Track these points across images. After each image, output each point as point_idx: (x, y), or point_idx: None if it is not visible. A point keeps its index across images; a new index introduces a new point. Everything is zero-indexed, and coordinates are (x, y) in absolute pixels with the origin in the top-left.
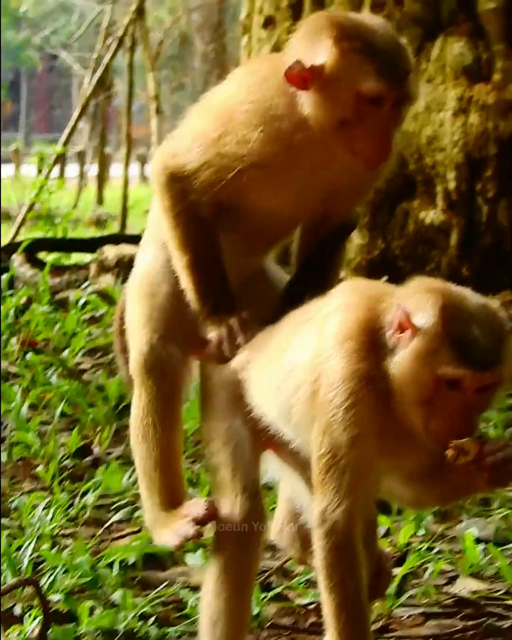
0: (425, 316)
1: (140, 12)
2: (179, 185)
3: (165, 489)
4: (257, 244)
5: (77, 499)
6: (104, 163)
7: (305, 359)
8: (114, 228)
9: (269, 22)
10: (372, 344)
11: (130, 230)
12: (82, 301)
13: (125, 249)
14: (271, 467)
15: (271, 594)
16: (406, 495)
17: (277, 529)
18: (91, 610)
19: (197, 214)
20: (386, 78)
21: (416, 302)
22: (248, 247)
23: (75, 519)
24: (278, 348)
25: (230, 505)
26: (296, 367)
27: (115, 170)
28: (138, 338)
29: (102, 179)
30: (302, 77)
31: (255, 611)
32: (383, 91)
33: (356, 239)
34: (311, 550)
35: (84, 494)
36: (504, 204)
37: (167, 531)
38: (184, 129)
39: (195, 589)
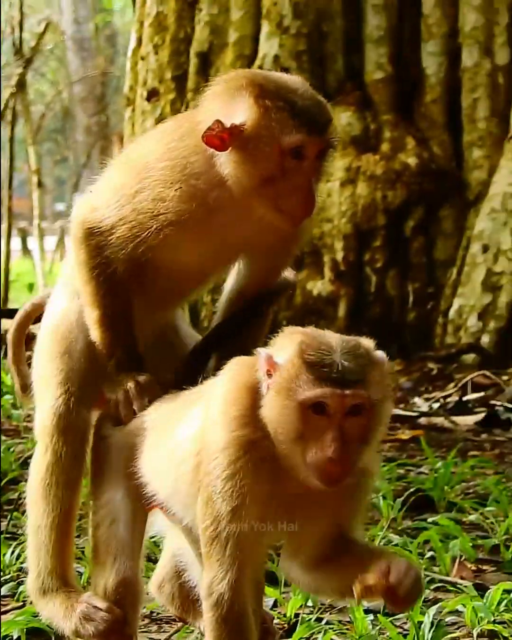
0: (284, 353)
1: (21, 85)
2: (95, 239)
3: (58, 553)
4: (170, 297)
5: None
6: None
7: (191, 432)
8: None
9: (152, 94)
10: (254, 408)
11: (12, 304)
12: None
13: (6, 323)
14: (158, 522)
15: None
16: (306, 582)
17: (157, 584)
18: None
19: (111, 270)
20: (308, 129)
21: (279, 345)
22: (160, 301)
23: None
24: (169, 427)
25: (103, 586)
26: (183, 442)
27: None
28: (51, 397)
29: None
30: (220, 137)
31: None
32: (305, 141)
33: (219, 304)
34: (191, 607)
35: None
36: (392, 274)
37: (59, 610)
38: (103, 183)
39: None
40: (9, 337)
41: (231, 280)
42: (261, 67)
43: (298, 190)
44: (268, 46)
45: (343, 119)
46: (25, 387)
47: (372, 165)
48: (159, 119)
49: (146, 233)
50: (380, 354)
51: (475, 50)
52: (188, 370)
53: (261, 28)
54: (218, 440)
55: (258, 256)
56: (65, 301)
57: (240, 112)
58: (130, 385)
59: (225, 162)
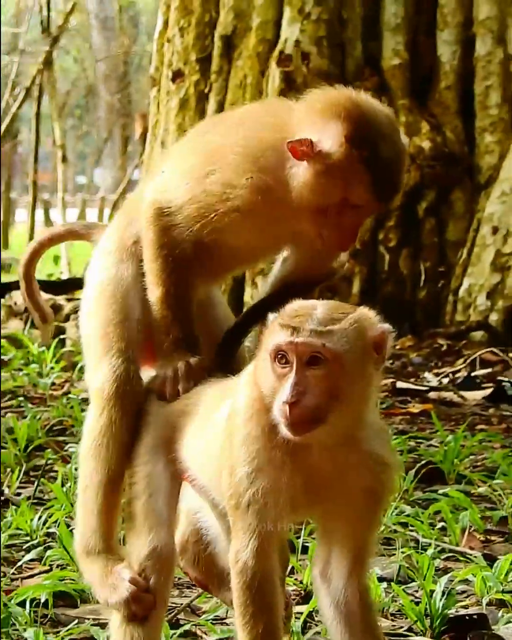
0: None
1: (47, 63)
2: (164, 220)
3: (103, 514)
4: (219, 273)
5: None
6: (8, 208)
7: (223, 417)
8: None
9: (177, 75)
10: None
11: (37, 274)
12: None
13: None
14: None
15: (179, 631)
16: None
17: (180, 547)
18: None
19: (179, 250)
20: (376, 194)
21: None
22: (210, 276)
23: None
24: (208, 414)
25: (137, 556)
26: (217, 426)
27: (20, 215)
28: (112, 362)
29: (6, 223)
30: (304, 152)
31: None
32: (368, 203)
33: (261, 286)
34: (214, 580)
35: None
36: (405, 253)
37: (96, 576)
38: (174, 163)
39: (105, 625)
40: (21, 271)
41: (278, 266)
42: (282, 52)
43: (343, 229)
44: (290, 31)
45: None
46: (45, 318)
47: None
48: (184, 99)
49: (213, 215)
50: (363, 318)
51: (488, 40)
52: (226, 346)
53: (283, 13)
54: (240, 407)
55: (305, 249)
56: (113, 269)
57: (330, 142)
58: (181, 365)
59: (297, 173)
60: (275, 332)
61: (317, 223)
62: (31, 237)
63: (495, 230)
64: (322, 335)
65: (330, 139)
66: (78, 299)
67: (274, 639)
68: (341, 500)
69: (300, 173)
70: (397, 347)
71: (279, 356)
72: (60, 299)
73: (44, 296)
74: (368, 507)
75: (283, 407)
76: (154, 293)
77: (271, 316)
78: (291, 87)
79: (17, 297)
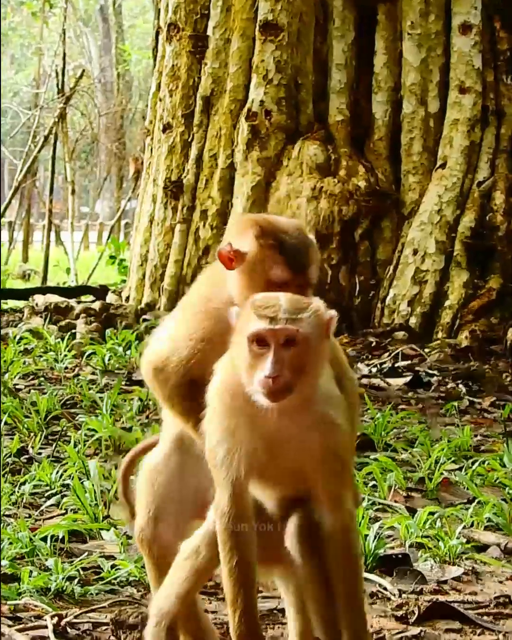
0: (243, 308)
1: (61, 117)
2: (161, 374)
3: None
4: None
5: (17, 488)
6: (28, 230)
7: None
8: (36, 281)
9: (167, 128)
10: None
11: (50, 282)
12: (18, 337)
13: (51, 297)
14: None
15: None
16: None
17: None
18: (30, 573)
19: (183, 391)
20: (290, 269)
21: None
22: None
23: (16, 503)
24: None
25: None
26: None
27: (36, 236)
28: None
29: (26, 242)
30: (229, 257)
31: None
32: (287, 278)
33: None
34: None
35: (22, 484)
36: (344, 269)
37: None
38: (160, 331)
39: (110, 557)
40: (120, 473)
41: None
42: (249, 109)
43: None
44: (256, 93)
45: (310, 150)
46: (133, 515)
47: (332, 186)
48: (171, 146)
49: (192, 353)
50: (320, 308)
51: (413, 101)
52: None
53: (251, 79)
54: (213, 391)
55: None
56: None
57: (245, 243)
58: None
59: (231, 281)
60: (252, 321)
61: None
62: (46, 254)
63: (415, 252)
64: (295, 322)
65: (245, 240)
66: (85, 302)
67: (247, 569)
68: (299, 457)
69: (233, 279)
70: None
71: (258, 340)
72: (72, 302)
73: (59, 299)
74: (324, 458)
75: (265, 380)
76: (185, 424)
77: (235, 309)
78: (256, 137)
79: (38, 299)
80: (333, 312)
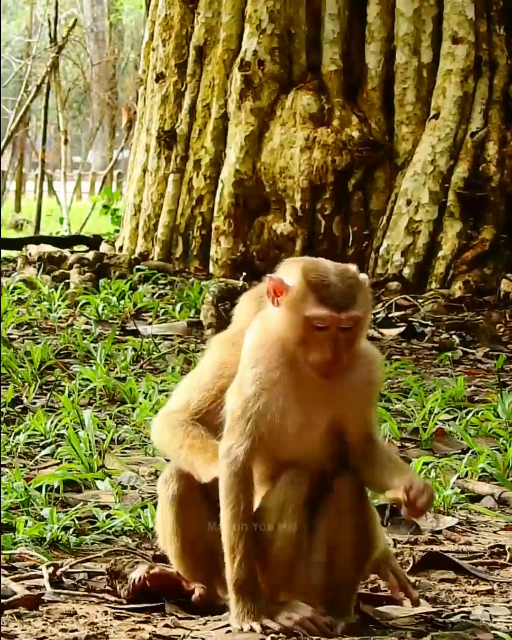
0: (291, 276)
1: (54, 67)
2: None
3: None
4: None
5: (12, 438)
6: (20, 180)
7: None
8: (29, 231)
9: (160, 77)
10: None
11: (43, 232)
12: (11, 287)
13: (44, 247)
14: None
15: None
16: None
17: None
18: (25, 523)
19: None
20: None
21: (285, 271)
22: None
23: (11, 453)
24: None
25: None
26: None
27: (29, 185)
28: None
29: (19, 192)
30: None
31: None
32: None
33: (223, 243)
34: None
35: (17, 434)
36: (337, 219)
37: None
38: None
39: (105, 507)
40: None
41: None
42: (243, 59)
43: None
44: (249, 43)
45: (304, 100)
46: None
47: (325, 136)
48: (164, 96)
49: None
50: (363, 276)
51: (406, 51)
52: None
53: (244, 29)
54: (250, 345)
55: None
56: None
57: (292, 278)
58: None
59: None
60: (311, 301)
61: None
62: (39, 203)
63: (408, 202)
64: (355, 307)
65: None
66: (78, 252)
67: (248, 516)
68: (338, 413)
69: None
70: None
71: (317, 323)
72: (66, 251)
73: (52, 249)
74: (365, 409)
75: (323, 362)
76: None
77: (271, 276)
78: (249, 87)
79: (32, 249)
80: (366, 276)
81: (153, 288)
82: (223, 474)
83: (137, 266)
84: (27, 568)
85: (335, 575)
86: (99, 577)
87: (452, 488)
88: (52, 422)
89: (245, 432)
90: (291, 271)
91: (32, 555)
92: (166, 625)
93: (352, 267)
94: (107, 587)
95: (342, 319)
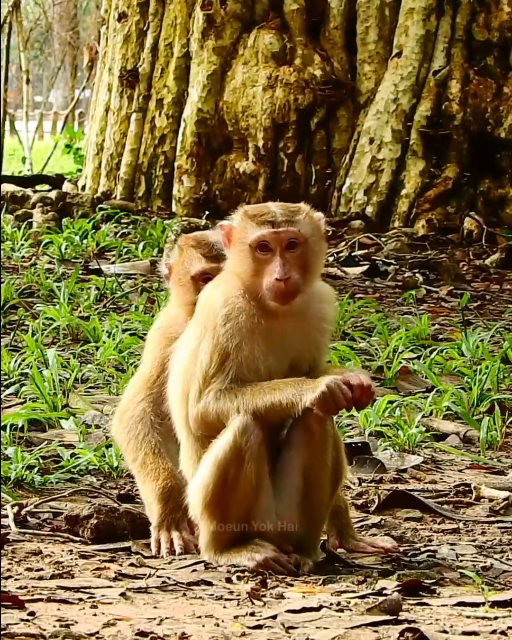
0: (236, 218)
1: (16, 6)
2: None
3: None
4: None
5: None
6: None
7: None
8: None
9: (122, 17)
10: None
11: (5, 172)
12: None
13: (7, 186)
14: None
15: None
16: None
17: None
18: None
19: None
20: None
21: (233, 218)
22: None
23: None
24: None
25: None
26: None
27: None
28: None
29: None
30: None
31: None
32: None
33: (186, 182)
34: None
35: None
36: (300, 158)
37: None
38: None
39: (69, 446)
40: None
41: None
42: None
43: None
44: None
45: (266, 39)
46: None
47: (287, 75)
48: (127, 35)
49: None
50: (308, 208)
51: None
52: None
53: None
54: (215, 303)
55: None
56: None
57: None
58: None
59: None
60: (252, 228)
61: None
62: (1, 143)
63: (371, 141)
64: (294, 224)
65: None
66: (41, 191)
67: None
68: (302, 349)
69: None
70: None
71: (261, 246)
72: (28, 191)
73: (15, 188)
74: (319, 348)
75: (275, 283)
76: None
77: (226, 222)
78: (211, 26)
79: None
80: (320, 214)
81: (116, 227)
82: (204, 409)
83: (100, 205)
84: None
85: (306, 504)
86: (64, 516)
87: (417, 426)
88: (15, 361)
89: (225, 385)
90: (235, 215)
91: None
92: (131, 565)
93: (302, 204)
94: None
95: (281, 234)
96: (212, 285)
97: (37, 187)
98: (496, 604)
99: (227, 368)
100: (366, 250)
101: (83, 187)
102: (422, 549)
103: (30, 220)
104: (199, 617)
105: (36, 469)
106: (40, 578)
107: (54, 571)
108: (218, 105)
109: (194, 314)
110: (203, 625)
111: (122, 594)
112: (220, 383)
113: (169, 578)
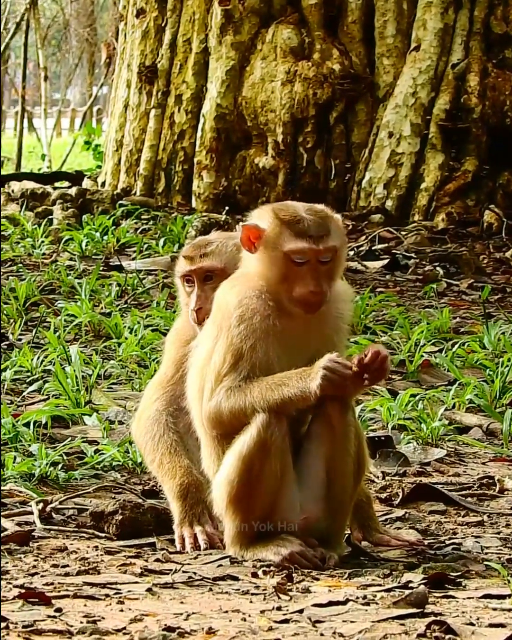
0: (263, 219)
1: (33, 3)
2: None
3: None
4: None
5: None
6: (0, 118)
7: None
8: (10, 168)
9: (140, 13)
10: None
11: (24, 169)
12: None
13: (27, 184)
14: None
15: None
16: None
17: None
18: (14, 459)
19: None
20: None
21: (256, 217)
22: None
23: None
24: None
25: None
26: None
27: (9, 123)
28: None
29: None
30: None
31: None
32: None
33: (205, 178)
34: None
35: (3, 370)
36: (319, 152)
37: None
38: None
39: (93, 442)
40: None
41: None
42: None
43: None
44: None
45: (284, 34)
46: None
47: (306, 69)
48: (145, 31)
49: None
50: (334, 214)
51: None
52: None
53: None
54: (230, 303)
55: None
56: None
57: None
58: None
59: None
60: (288, 237)
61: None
62: (20, 140)
63: (390, 135)
64: (330, 237)
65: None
66: (61, 188)
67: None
68: (319, 346)
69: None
70: None
71: (298, 256)
72: (48, 188)
73: (35, 185)
74: (337, 345)
75: (307, 295)
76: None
77: (243, 224)
78: (229, 21)
79: (14, 186)
80: (338, 215)
81: (136, 223)
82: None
83: (120, 201)
84: (17, 504)
85: (330, 497)
86: (88, 512)
87: (440, 420)
88: (38, 358)
89: (236, 382)
90: (261, 215)
91: (21, 492)
92: (157, 560)
93: (321, 205)
94: (93, 530)
95: (321, 250)
96: (228, 285)
97: (57, 184)
98: None
99: (240, 368)
100: (386, 244)
101: (103, 184)
102: (447, 542)
103: (50, 217)
104: (226, 612)
105: (60, 466)
106: (66, 574)
107: (79, 567)
108: (237, 100)
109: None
110: (230, 620)
111: (149, 590)
112: (232, 381)
113: (194, 573)
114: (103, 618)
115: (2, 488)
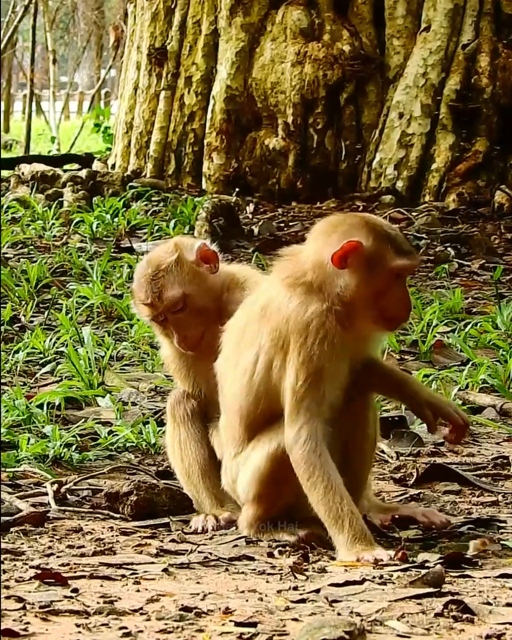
0: (362, 235)
1: None
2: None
3: None
4: None
5: (11, 356)
6: (8, 100)
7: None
8: (18, 151)
9: None
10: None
11: (33, 152)
12: (5, 206)
13: (37, 166)
14: None
15: None
16: None
17: None
18: (28, 441)
19: None
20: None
21: (342, 233)
22: None
23: (11, 371)
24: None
25: None
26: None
27: (17, 105)
28: None
29: (7, 112)
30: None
31: None
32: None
33: (216, 160)
34: None
35: (16, 352)
36: (329, 133)
37: None
38: None
39: (106, 423)
40: None
41: None
42: None
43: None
44: None
45: (294, 15)
46: None
47: (316, 50)
48: (155, 13)
49: None
50: None
51: None
52: None
53: None
54: (308, 321)
55: None
56: None
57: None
58: None
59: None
60: (394, 254)
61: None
62: (29, 123)
63: (401, 116)
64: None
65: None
66: (71, 170)
67: (340, 481)
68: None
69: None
70: (323, 208)
71: (402, 274)
72: (59, 170)
73: (45, 168)
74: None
75: (404, 312)
76: None
77: (339, 240)
78: (239, 3)
79: (24, 168)
80: None
81: (146, 205)
82: (300, 457)
83: (130, 183)
84: (31, 485)
85: (350, 476)
86: (103, 493)
87: (453, 400)
88: (50, 339)
89: (313, 412)
90: (350, 232)
91: (35, 473)
92: (173, 540)
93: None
94: (108, 511)
95: (419, 263)
96: (285, 290)
97: (67, 167)
98: None
99: (319, 388)
100: (397, 225)
101: (113, 166)
102: (462, 522)
103: (60, 199)
104: (242, 591)
105: (74, 447)
106: (82, 555)
107: (95, 548)
108: (247, 82)
109: (261, 311)
110: (246, 600)
111: (165, 570)
112: (310, 401)
113: (210, 553)
114: (119, 598)
115: (17, 469)
